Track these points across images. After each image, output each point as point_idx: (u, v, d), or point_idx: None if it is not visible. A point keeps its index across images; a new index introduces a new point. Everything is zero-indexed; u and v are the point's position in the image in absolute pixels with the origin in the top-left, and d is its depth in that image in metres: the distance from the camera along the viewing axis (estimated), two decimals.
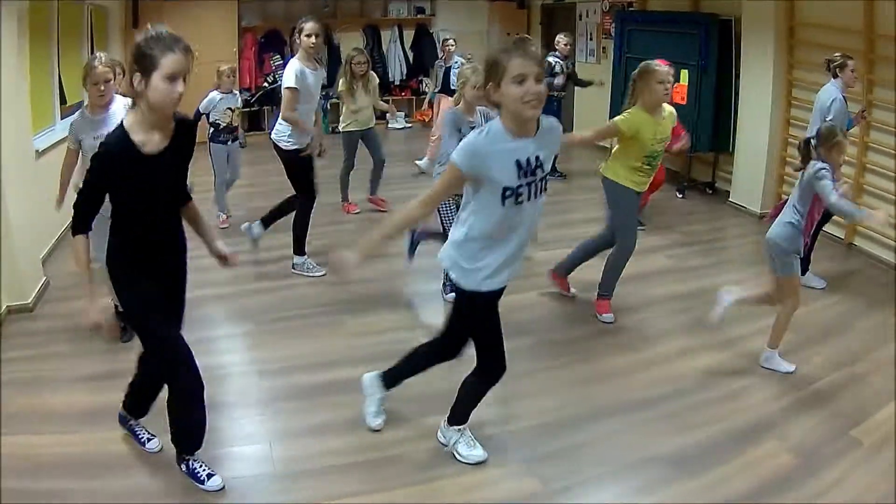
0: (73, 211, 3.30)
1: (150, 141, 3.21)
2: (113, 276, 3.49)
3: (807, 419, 4.37)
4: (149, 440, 3.95)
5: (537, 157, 3.26)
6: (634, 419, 4.33)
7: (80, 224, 3.29)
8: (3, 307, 5.70)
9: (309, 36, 6.22)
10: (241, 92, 10.64)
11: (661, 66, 5.10)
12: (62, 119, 8.18)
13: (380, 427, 4.13)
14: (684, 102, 8.89)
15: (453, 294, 3.88)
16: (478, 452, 3.92)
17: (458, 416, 3.94)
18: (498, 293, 3.57)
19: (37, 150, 6.87)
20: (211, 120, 7.79)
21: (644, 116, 5.14)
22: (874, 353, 5.19)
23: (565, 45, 9.79)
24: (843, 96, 6.15)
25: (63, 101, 8.34)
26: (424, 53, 14.48)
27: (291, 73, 6.16)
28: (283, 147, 6.39)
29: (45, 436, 4.13)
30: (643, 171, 5.34)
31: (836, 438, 4.16)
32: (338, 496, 3.64)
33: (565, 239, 6.88)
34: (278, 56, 13.29)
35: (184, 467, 3.69)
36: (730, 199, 9.00)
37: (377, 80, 8.55)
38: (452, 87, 10.14)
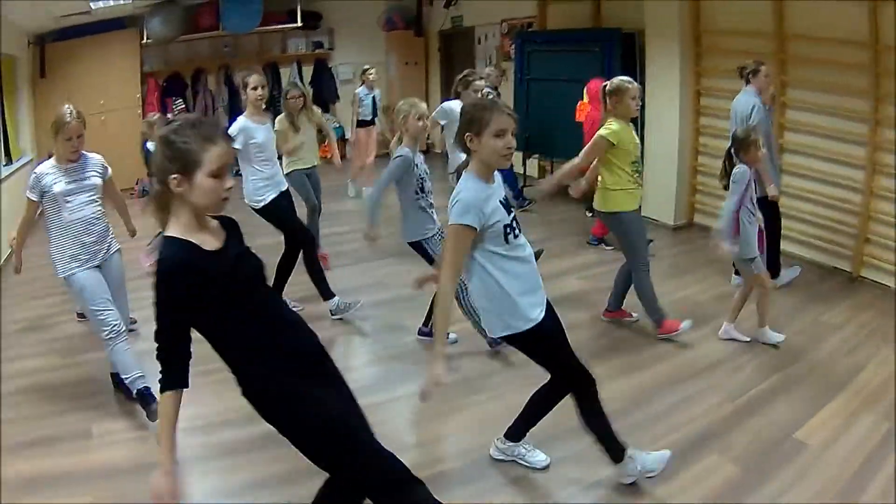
0: (158, 364, 2.61)
1: (206, 241, 2.67)
2: (272, 406, 2.77)
3: (748, 426, 4.40)
4: None
5: (505, 198, 3.51)
6: (575, 447, 4.13)
7: (172, 374, 2.61)
8: None
9: (255, 89, 6.13)
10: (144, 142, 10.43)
11: (633, 84, 5.37)
12: None
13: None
14: (583, 120, 8.59)
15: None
16: (541, 457, 4.07)
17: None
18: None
19: None
20: None
21: (622, 124, 5.37)
22: (809, 355, 5.26)
23: (497, 76, 9.67)
24: (760, 100, 6.24)
25: None
26: (324, 88, 14.37)
27: (235, 130, 6.04)
28: (257, 206, 6.32)
29: None
30: (634, 181, 5.47)
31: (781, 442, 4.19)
32: None
33: None
34: (181, 100, 13.14)
35: None
36: (641, 214, 8.94)
37: (320, 112, 8.19)
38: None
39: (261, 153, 6.20)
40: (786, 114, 7.21)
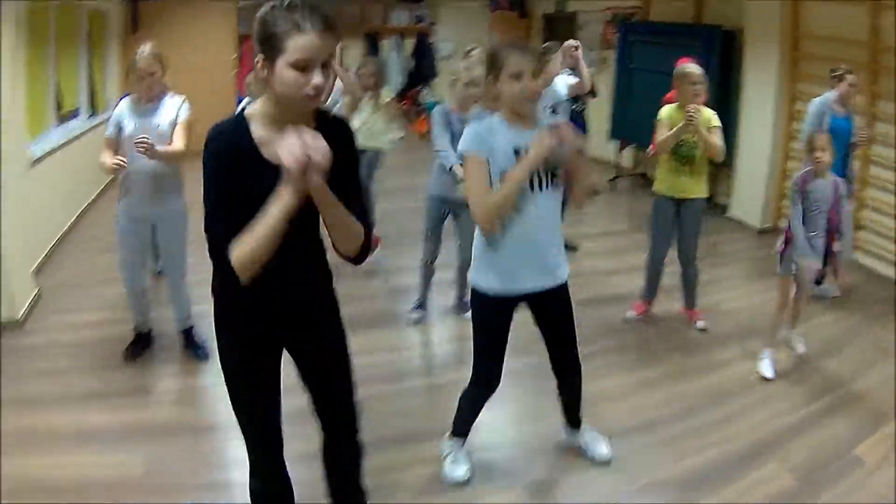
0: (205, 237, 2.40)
1: (272, 141, 2.29)
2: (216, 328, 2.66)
3: (808, 438, 4.32)
4: None
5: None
6: (639, 442, 4.25)
7: (219, 249, 2.34)
8: None
9: None
10: (240, 99, 10.59)
11: (692, 69, 5.27)
12: (58, 125, 8.15)
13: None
14: None
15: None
16: (459, 473, 3.86)
17: (459, 427, 3.91)
18: (513, 299, 3.52)
19: (32, 158, 6.79)
20: None
21: (674, 109, 5.36)
22: (874, 370, 5.14)
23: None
24: (834, 106, 6.17)
25: (59, 107, 8.30)
26: (424, 63, 14.46)
27: None
28: None
29: (39, 458, 4.00)
30: (676, 168, 5.41)
31: (838, 457, 4.11)
32: None
33: None
34: None
35: None
36: (727, 214, 8.97)
37: (389, 97, 7.38)
38: None
39: None
40: (875, 126, 7.02)
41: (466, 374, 3.70)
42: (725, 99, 8.81)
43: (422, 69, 14.45)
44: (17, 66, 6.25)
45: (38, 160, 7.00)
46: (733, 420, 4.50)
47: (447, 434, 3.94)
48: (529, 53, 3.29)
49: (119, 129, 4.70)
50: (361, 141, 7.34)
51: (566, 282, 3.59)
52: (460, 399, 3.82)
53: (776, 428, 4.40)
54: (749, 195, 8.64)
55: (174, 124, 4.72)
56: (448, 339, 5.72)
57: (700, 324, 5.73)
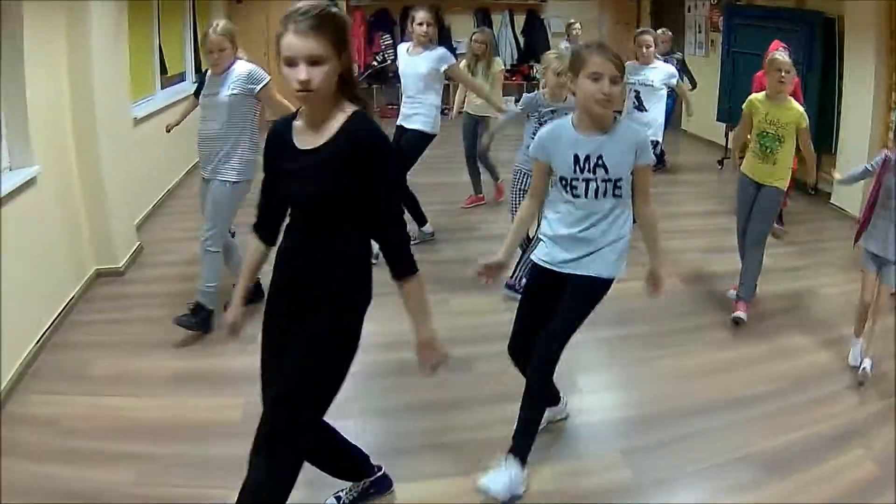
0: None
1: (305, 130, 2.64)
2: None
3: (892, 428, 4.29)
4: None
5: (600, 157, 3.35)
6: (729, 418, 4.32)
7: (259, 222, 2.93)
8: (93, 270, 5.97)
9: (420, 24, 6.45)
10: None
11: (778, 56, 5.26)
12: (162, 89, 8.52)
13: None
14: None
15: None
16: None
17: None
18: (544, 271, 3.59)
19: (135, 118, 7.25)
20: None
21: (760, 97, 5.39)
22: None
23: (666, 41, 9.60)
24: None
25: (164, 71, 8.75)
26: (535, 39, 14.50)
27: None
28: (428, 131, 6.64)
29: (131, 399, 4.30)
30: (758, 155, 5.42)
31: None
32: (427, 476, 3.72)
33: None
34: (388, 35, 13.50)
35: None
36: (830, 201, 8.79)
37: (500, 67, 8.07)
38: None
39: (401, 83, 6.72)
40: None
41: None
42: (827, 86, 8.75)
43: (533, 45, 14.46)
44: (121, 30, 6.66)
45: (142, 120, 7.46)
46: (822, 404, 4.51)
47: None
48: (613, 58, 3.25)
49: (198, 94, 5.09)
50: (474, 107, 7.79)
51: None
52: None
53: (861, 416, 4.40)
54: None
55: (234, 94, 4.89)
56: None
57: (738, 314, 5.50)
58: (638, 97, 7.06)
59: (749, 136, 5.55)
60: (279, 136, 2.69)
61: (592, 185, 3.37)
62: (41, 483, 3.52)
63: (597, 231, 3.45)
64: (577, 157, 3.34)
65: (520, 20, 14.84)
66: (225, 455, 3.62)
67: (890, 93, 7.81)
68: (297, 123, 2.66)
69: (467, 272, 3.88)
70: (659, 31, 9.42)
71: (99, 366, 4.68)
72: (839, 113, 8.65)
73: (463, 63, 7.57)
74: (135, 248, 6.53)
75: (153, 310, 5.47)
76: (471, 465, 3.65)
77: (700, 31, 12.37)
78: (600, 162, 3.34)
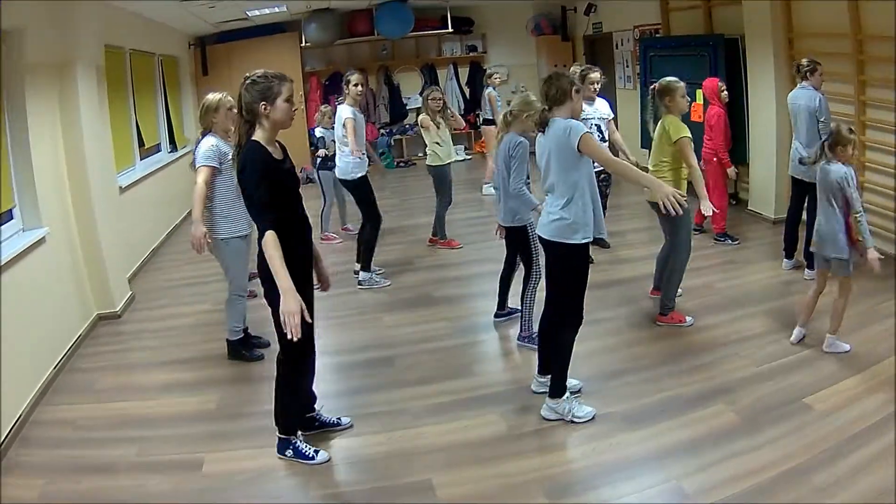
0: (257, 219, 3.87)
1: (274, 152, 3.97)
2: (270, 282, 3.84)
3: (761, 387, 4.92)
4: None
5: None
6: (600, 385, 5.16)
7: (269, 221, 3.82)
8: (95, 314, 6.93)
9: (356, 85, 7.40)
10: (311, 131, 11.94)
11: (680, 82, 5.92)
12: (141, 160, 9.41)
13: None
14: (701, 120, 8.89)
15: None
16: (588, 409, 4.72)
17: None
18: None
19: (120, 187, 8.15)
20: (321, 153, 8.97)
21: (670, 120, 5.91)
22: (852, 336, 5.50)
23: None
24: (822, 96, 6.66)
25: (141, 143, 9.56)
26: (479, 88, 15.25)
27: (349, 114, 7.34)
28: (350, 179, 7.45)
29: (130, 402, 5.42)
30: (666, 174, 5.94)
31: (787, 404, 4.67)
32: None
33: None
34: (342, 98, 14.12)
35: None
36: (748, 208, 9.56)
37: (454, 117, 8.80)
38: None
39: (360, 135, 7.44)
40: (866, 112, 7.50)
41: None
42: (736, 101, 9.27)
43: (478, 95, 15.24)
44: (102, 109, 7.58)
45: (126, 188, 8.37)
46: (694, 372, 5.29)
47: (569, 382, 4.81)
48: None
49: (221, 161, 5.53)
50: (438, 159, 8.41)
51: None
52: (567, 348, 4.68)
53: (733, 378, 5.11)
54: (762, 188, 9.23)
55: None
56: None
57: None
58: (600, 130, 7.35)
59: None
60: (267, 158, 3.96)
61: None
62: (66, 462, 4.61)
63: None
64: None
65: (464, 72, 15.84)
66: (205, 431, 4.90)
67: None
68: (268, 147, 3.96)
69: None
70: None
71: (103, 382, 5.77)
72: (747, 124, 9.35)
73: (424, 117, 8.44)
74: (128, 296, 7.50)
75: (145, 341, 6.59)
76: (386, 428, 4.81)
77: (627, 66, 13.19)
78: None
